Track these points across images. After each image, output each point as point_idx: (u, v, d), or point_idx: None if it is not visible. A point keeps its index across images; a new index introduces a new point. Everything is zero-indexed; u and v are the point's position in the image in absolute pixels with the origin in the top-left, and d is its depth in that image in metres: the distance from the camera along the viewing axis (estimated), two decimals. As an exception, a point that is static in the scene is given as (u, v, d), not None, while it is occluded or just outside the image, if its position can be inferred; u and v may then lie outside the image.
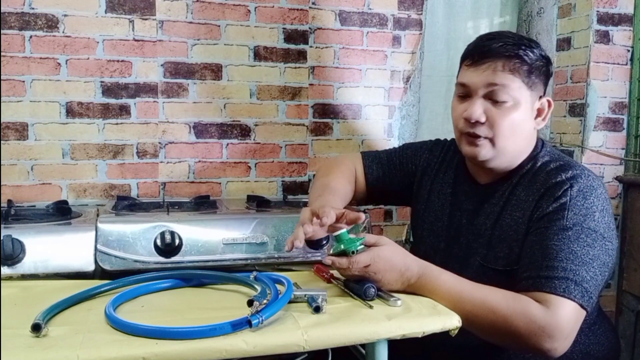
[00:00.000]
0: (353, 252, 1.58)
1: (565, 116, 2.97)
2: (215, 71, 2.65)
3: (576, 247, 1.58)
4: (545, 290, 1.54)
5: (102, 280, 1.72)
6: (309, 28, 2.75)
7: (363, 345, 1.53)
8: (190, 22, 2.59)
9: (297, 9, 2.73)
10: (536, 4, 3.15)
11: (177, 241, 1.94)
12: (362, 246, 1.60)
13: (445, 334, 1.47)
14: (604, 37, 2.84)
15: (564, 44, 3.01)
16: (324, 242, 2.04)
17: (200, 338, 1.27)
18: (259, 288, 1.54)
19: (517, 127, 1.71)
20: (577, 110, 2.91)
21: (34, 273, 1.82)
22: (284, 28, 2.72)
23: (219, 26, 2.63)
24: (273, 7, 2.69)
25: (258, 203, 2.33)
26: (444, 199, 1.95)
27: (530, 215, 1.69)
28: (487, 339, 1.61)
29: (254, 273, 1.68)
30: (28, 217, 2.04)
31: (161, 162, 2.61)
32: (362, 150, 2.82)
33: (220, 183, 2.70)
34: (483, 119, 1.69)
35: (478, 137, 1.71)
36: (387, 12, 2.85)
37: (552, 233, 1.61)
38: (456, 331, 1.48)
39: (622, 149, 2.92)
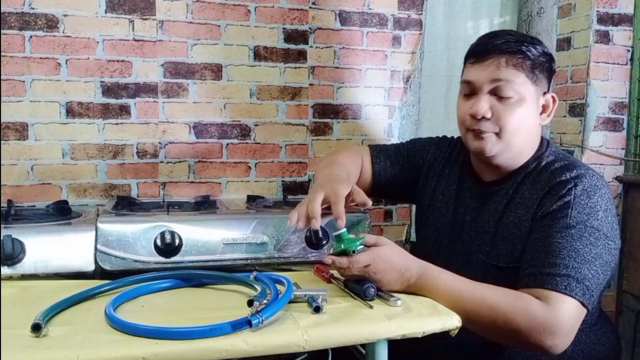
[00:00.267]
0: (353, 252, 1.59)
1: (565, 116, 2.98)
2: (215, 71, 2.65)
3: (579, 245, 1.58)
4: (546, 287, 1.54)
5: (102, 280, 1.72)
6: (309, 28, 2.76)
7: (363, 345, 1.53)
8: (190, 22, 2.59)
9: (297, 9, 2.73)
10: (536, 4, 3.15)
11: (177, 241, 1.94)
12: (362, 246, 1.61)
13: (445, 334, 1.48)
14: (604, 37, 2.85)
15: (564, 44, 3.01)
16: (324, 242, 2.05)
17: (200, 338, 1.27)
18: (259, 288, 1.55)
19: (522, 122, 1.73)
20: (577, 110, 2.92)
21: (34, 273, 1.82)
22: (284, 28, 2.72)
23: (219, 26, 2.63)
24: (273, 7, 2.69)
25: (258, 203, 2.33)
26: (448, 195, 1.96)
27: (534, 213, 1.70)
28: (488, 337, 1.61)
29: (254, 273, 1.68)
30: (28, 217, 2.04)
31: (161, 162, 2.61)
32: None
33: (220, 183, 2.70)
34: (489, 115, 1.71)
35: (485, 132, 1.73)
36: (387, 12, 2.86)
37: (555, 231, 1.62)
38: (456, 331, 1.48)
39: (622, 149, 2.93)
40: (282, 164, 2.79)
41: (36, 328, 1.28)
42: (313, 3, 2.75)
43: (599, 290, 1.62)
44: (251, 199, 2.43)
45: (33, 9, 2.39)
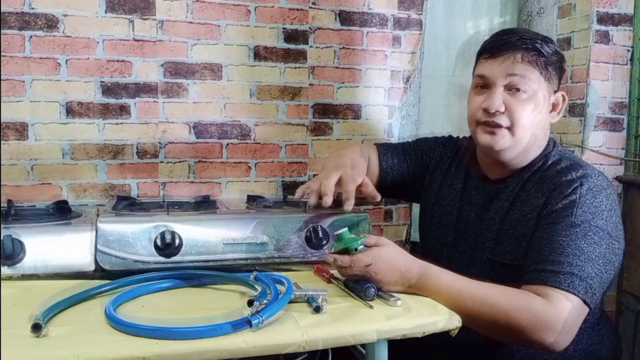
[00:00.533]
0: (355, 250, 1.60)
1: (565, 116, 2.98)
2: (215, 71, 2.65)
3: (583, 243, 1.61)
4: (549, 284, 1.56)
5: (102, 280, 1.75)
6: (309, 28, 2.76)
7: (363, 345, 1.54)
8: (190, 22, 2.59)
9: (297, 9, 2.73)
10: (536, 4, 3.16)
11: (177, 241, 1.94)
12: (363, 246, 1.62)
13: (445, 334, 1.49)
14: (604, 37, 2.86)
15: (564, 44, 3.01)
16: (324, 242, 2.05)
17: (201, 338, 1.28)
18: (259, 288, 1.57)
19: (534, 118, 1.77)
20: (577, 110, 2.92)
21: (34, 273, 1.81)
22: (284, 28, 2.72)
23: (219, 26, 2.63)
24: (273, 7, 2.69)
25: (258, 203, 2.34)
26: (454, 193, 2.00)
27: (539, 211, 1.73)
28: (490, 335, 1.63)
29: (254, 273, 1.71)
30: (28, 217, 2.04)
31: (161, 162, 2.62)
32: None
33: (220, 183, 2.71)
34: (503, 109, 1.75)
35: (497, 126, 1.76)
36: (387, 12, 2.86)
37: (560, 229, 1.64)
38: (456, 331, 1.50)
39: (622, 148, 2.94)
40: (282, 163, 2.79)
41: (36, 328, 1.30)
42: (313, 3, 2.75)
43: (602, 290, 1.64)
44: (251, 199, 2.42)
45: (33, 9, 2.38)
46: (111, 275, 1.84)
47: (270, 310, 1.37)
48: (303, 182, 2.71)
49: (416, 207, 2.24)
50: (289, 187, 2.80)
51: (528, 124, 1.75)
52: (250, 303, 1.40)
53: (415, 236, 2.76)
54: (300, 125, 2.79)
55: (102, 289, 1.65)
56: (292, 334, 1.35)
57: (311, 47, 2.77)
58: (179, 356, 1.25)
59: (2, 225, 1.86)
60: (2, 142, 2.39)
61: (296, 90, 2.77)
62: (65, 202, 2.26)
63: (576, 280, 1.55)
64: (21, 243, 1.81)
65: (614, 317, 2.96)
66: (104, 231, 1.91)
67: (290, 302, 1.51)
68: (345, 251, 1.63)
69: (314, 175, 2.74)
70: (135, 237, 1.93)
